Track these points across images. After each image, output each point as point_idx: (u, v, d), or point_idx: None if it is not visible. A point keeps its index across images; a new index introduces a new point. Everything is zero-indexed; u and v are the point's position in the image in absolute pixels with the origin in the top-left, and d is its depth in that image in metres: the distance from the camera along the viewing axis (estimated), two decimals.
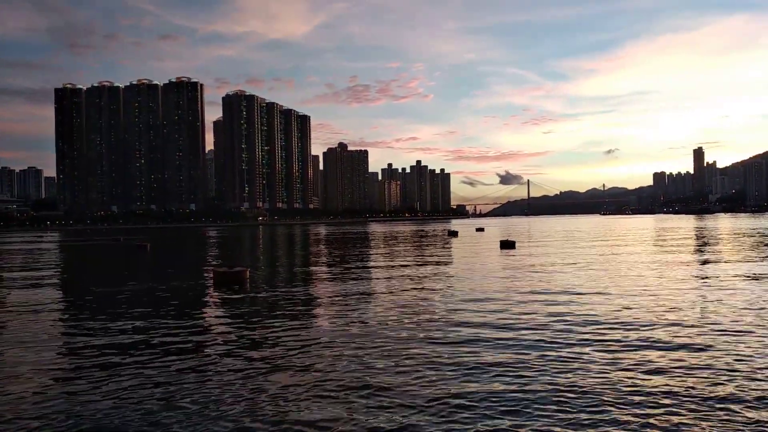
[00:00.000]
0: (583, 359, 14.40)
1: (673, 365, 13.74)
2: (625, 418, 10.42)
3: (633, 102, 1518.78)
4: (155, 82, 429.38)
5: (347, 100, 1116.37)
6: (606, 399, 11.41)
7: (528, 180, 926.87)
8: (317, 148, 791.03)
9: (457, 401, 11.46)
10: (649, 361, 14.12)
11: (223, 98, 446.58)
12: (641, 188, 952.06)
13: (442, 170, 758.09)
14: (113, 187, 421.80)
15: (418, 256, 54.26)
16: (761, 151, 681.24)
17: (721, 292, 25.46)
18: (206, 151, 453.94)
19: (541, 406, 11.08)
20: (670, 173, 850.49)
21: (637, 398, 11.43)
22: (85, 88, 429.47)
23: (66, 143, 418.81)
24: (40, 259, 65.18)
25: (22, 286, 35.08)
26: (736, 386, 12.04)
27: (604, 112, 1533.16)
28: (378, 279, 34.73)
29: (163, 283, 34.43)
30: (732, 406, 10.87)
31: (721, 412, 10.60)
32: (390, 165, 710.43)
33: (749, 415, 10.48)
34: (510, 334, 17.41)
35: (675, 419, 10.31)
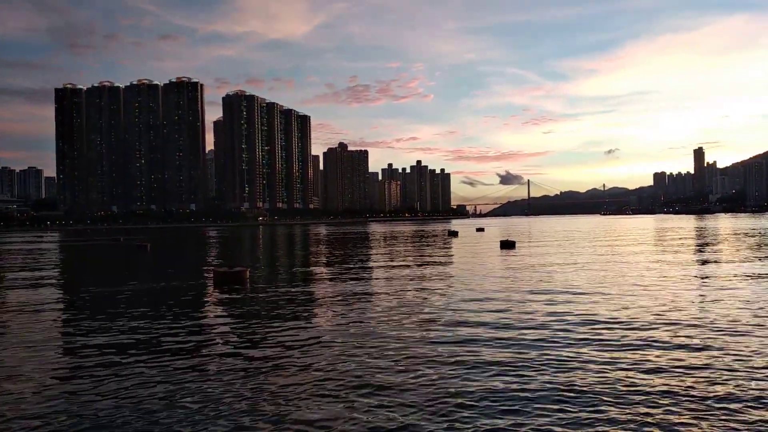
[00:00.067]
0: (582, 359, 14.43)
1: (672, 365, 13.77)
2: (624, 417, 10.44)
3: (633, 102, 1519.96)
4: (155, 82, 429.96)
5: (347, 100, 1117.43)
6: (605, 398, 11.44)
7: (528, 180, 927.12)
8: (317, 148, 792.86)
9: (456, 400, 11.50)
10: (648, 361, 14.15)
11: (223, 98, 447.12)
12: (641, 188, 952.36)
13: (442, 170, 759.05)
14: (113, 187, 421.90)
15: (419, 256, 54.28)
16: (761, 151, 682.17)
17: (721, 292, 25.50)
18: (206, 151, 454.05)
19: (541, 405, 11.11)
20: (671, 173, 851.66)
21: (636, 398, 11.46)
22: (85, 88, 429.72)
23: (66, 143, 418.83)
24: (40, 259, 65.20)
25: (22, 286, 35.12)
26: (735, 386, 12.07)
27: (605, 112, 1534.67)
28: (378, 279, 34.76)
29: (163, 283, 34.47)
30: (731, 406, 10.90)
31: (720, 412, 10.63)
32: (390, 165, 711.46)
33: (748, 414, 10.51)
34: (510, 334, 17.45)
35: (674, 419, 10.34)
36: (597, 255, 50.48)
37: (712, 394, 11.57)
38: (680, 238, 77.93)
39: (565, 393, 11.79)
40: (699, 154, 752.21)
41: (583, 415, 10.60)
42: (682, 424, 10.11)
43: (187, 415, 10.97)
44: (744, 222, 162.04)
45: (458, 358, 14.68)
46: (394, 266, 43.39)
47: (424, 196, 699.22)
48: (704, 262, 40.84)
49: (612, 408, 10.91)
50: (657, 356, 14.59)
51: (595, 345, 15.88)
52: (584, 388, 12.06)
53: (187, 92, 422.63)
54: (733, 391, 11.75)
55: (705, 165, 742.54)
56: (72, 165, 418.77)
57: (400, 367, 13.97)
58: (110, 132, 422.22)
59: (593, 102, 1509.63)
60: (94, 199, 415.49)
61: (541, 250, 59.59)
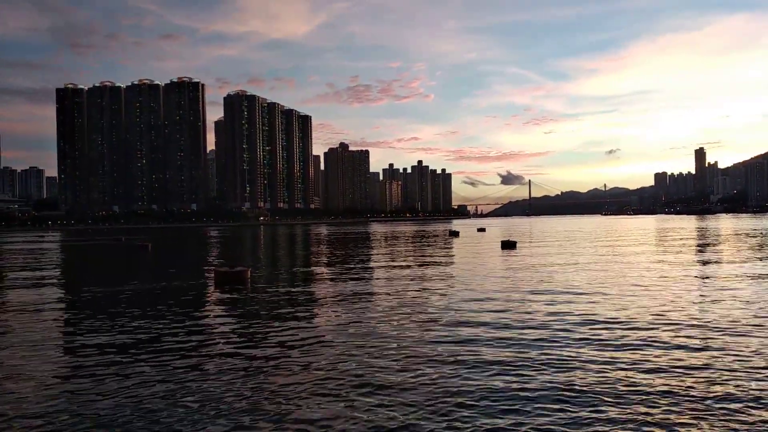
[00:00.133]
0: (582, 358, 14.45)
1: (672, 365, 13.79)
2: (624, 417, 10.46)
3: (634, 102, 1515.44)
4: (156, 82, 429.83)
5: (348, 100, 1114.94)
6: (605, 398, 11.46)
7: (529, 180, 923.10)
8: (318, 148, 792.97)
9: (457, 400, 11.52)
10: (648, 361, 14.17)
11: (224, 98, 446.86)
12: (642, 188, 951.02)
13: (444, 170, 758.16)
14: (115, 187, 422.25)
15: (419, 256, 54.31)
16: (762, 151, 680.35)
17: (721, 293, 25.50)
18: (207, 151, 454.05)
19: (541, 405, 11.13)
20: (672, 173, 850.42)
21: (636, 397, 11.48)
22: (86, 88, 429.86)
23: (67, 143, 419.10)
24: (41, 259, 65.31)
25: (23, 285, 35.19)
26: (735, 386, 12.09)
27: (605, 112, 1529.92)
28: (379, 279, 34.79)
29: (164, 283, 34.51)
30: (731, 406, 10.92)
31: (720, 412, 10.65)
32: (391, 165, 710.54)
33: (748, 414, 10.52)
34: (510, 334, 17.47)
35: (674, 418, 10.36)
36: (598, 255, 50.49)
37: (712, 394, 11.58)
38: (681, 239, 77.90)
39: (565, 393, 11.81)
40: (700, 154, 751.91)
41: (583, 414, 10.62)
42: (682, 424, 10.12)
43: (188, 414, 11.00)
44: (745, 222, 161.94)
45: (458, 358, 14.70)
46: (394, 266, 43.42)
47: (425, 196, 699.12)
48: (705, 263, 40.84)
49: (612, 408, 10.93)
50: (657, 356, 14.61)
51: (595, 345, 15.90)
52: (584, 388, 12.08)
53: (188, 92, 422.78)
54: (733, 391, 11.77)
55: (706, 165, 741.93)
56: (73, 165, 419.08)
57: (401, 367, 13.99)
58: (111, 132, 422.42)
59: (594, 102, 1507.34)
60: (95, 199, 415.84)
61: (542, 250, 59.60)
